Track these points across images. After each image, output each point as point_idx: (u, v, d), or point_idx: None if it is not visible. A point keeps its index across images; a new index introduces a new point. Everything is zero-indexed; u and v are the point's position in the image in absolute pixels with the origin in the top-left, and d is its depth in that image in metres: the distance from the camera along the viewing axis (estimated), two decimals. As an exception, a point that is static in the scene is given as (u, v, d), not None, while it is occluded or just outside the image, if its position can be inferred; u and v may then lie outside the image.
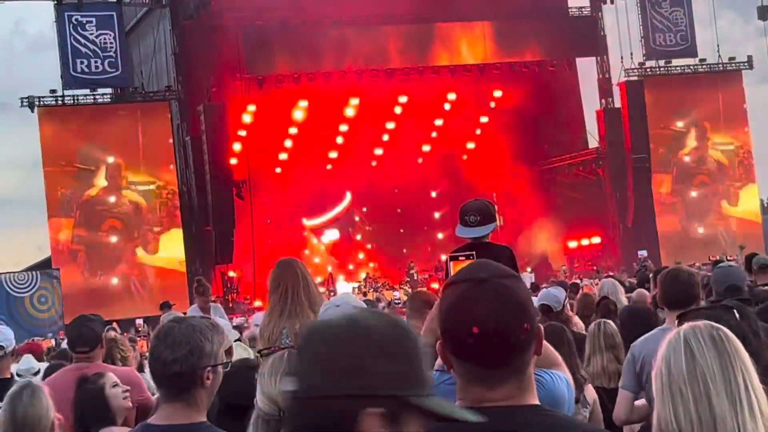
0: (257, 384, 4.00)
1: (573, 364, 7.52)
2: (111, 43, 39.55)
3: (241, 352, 7.57)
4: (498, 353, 2.70)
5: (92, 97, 40.26)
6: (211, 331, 4.25)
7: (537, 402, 2.80)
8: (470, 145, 50.23)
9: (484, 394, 2.73)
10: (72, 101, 39.91)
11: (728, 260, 18.15)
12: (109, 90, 40.66)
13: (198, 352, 4.18)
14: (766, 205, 65.53)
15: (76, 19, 39.27)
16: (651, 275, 11.96)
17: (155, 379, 4.33)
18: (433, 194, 50.34)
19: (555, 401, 3.79)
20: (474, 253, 4.28)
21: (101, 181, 39.34)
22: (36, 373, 9.33)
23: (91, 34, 39.30)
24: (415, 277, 42.50)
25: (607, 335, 8.18)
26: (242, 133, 44.01)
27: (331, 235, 49.41)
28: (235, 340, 9.10)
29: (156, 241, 39.94)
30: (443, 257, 33.51)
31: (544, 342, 4.11)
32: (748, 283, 12.17)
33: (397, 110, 47.77)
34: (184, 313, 17.08)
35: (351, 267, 48.15)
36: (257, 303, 38.48)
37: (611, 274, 27.01)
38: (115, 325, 21.18)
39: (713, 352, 2.97)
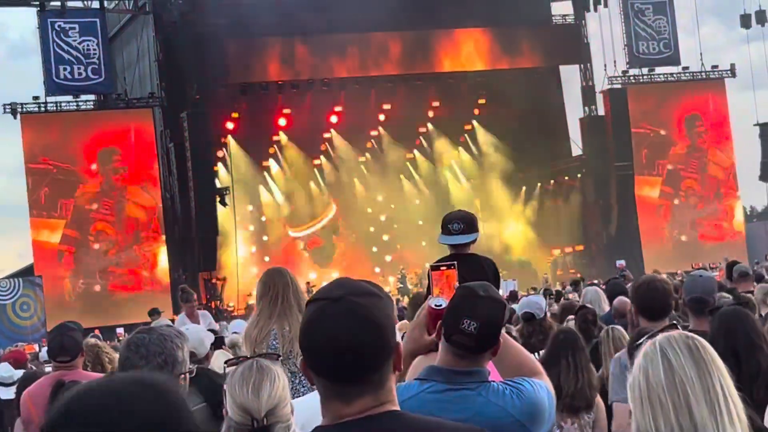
0: (227, 393, 3.99)
1: (588, 370, 7.55)
2: (94, 49, 39.48)
3: (223, 359, 7.55)
4: (351, 370, 2.73)
5: (75, 103, 40.16)
6: (180, 338, 4.28)
7: (395, 409, 2.81)
8: (454, 153, 50.27)
9: (342, 410, 2.76)
10: (55, 108, 39.81)
11: (711, 268, 18.23)
12: (92, 96, 40.60)
13: (172, 360, 4.19)
14: (748, 213, 65.85)
15: (59, 26, 39.20)
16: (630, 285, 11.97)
17: None
18: (417, 202, 50.31)
19: (535, 409, 3.79)
20: (455, 262, 4.26)
21: (85, 186, 39.20)
22: (13, 383, 9.31)
23: (74, 40, 39.23)
24: (408, 285, 42.68)
25: (616, 340, 8.20)
26: (226, 140, 44.04)
27: (315, 243, 49.36)
28: (216, 348, 9.09)
29: (141, 248, 39.83)
30: (426, 265, 33.53)
31: (523, 350, 4.13)
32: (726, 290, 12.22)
33: (381, 117, 47.83)
34: (173, 321, 17.04)
35: (335, 275, 48.05)
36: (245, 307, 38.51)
37: (595, 282, 27.02)
38: (97, 332, 21.16)
39: (690, 360, 2.97)
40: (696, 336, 3.09)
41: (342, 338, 2.71)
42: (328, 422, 2.81)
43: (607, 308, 11.31)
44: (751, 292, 10.78)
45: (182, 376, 4.21)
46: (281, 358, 6.60)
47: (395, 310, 2.96)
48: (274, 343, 6.70)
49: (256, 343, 6.74)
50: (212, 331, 11.81)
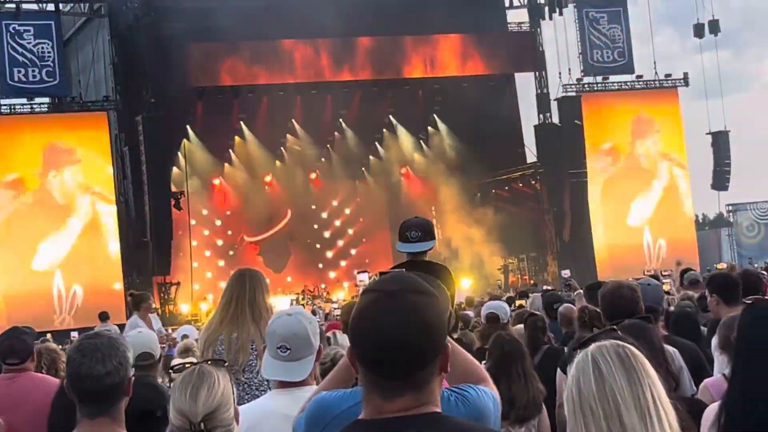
0: (170, 398, 4.03)
1: (535, 377, 7.62)
2: (49, 52, 39.21)
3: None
4: (394, 366, 2.76)
5: (29, 106, 39.88)
6: (124, 340, 4.33)
7: (437, 410, 2.84)
8: (410, 158, 50.37)
9: (382, 405, 2.79)
10: (9, 110, 39.55)
11: (663, 275, 18.35)
12: (46, 99, 40.27)
13: (125, 362, 4.24)
14: (701, 221, 66.41)
15: (14, 28, 38.91)
16: (583, 290, 12.10)
17: (85, 396, 4.24)
18: (373, 207, 50.40)
19: (480, 415, 3.83)
20: (404, 269, 4.30)
21: (38, 190, 38.88)
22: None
23: (29, 43, 38.95)
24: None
25: None
26: (181, 143, 43.89)
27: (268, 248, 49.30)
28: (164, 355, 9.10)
29: (93, 251, 39.53)
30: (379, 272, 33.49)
31: (470, 357, 4.18)
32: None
33: (338, 123, 47.88)
34: (123, 324, 16.96)
35: (289, 279, 48.04)
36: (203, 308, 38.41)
37: (548, 288, 27.12)
38: (49, 336, 21.06)
39: (621, 369, 3.03)
40: (627, 345, 3.16)
41: (388, 333, 2.74)
42: (368, 416, 2.83)
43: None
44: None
45: (131, 378, 4.24)
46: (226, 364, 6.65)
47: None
48: (220, 349, 6.70)
49: (204, 347, 6.75)
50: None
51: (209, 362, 4.19)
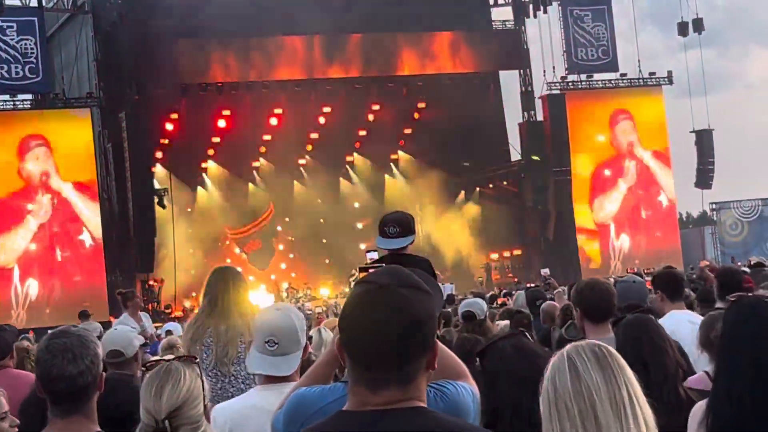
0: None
1: None
2: (32, 48, 39.08)
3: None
4: (381, 358, 2.76)
5: (12, 102, 39.78)
6: (93, 336, 4.29)
7: (423, 405, 2.83)
8: (394, 157, 50.42)
9: (368, 397, 2.79)
10: (-8, 106, 39.49)
11: (645, 273, 18.37)
12: (29, 96, 40.16)
13: (97, 360, 4.22)
14: (684, 219, 66.57)
15: (-3, 24, 38.80)
16: (566, 288, 12.15)
17: (57, 396, 4.20)
18: (356, 205, 50.44)
19: (459, 411, 3.82)
20: (383, 264, 4.30)
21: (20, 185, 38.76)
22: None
23: (12, 39, 38.81)
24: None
25: None
26: (165, 141, 43.83)
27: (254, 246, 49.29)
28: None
29: (77, 249, 39.43)
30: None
31: (451, 353, 4.16)
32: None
33: (321, 120, 47.87)
34: (106, 322, 16.91)
35: (273, 277, 48.04)
36: (179, 312, 38.34)
37: (531, 285, 27.17)
38: (31, 334, 20.94)
39: (597, 367, 3.03)
40: (603, 344, 3.16)
41: (377, 325, 2.75)
42: (353, 407, 2.83)
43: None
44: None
45: (102, 374, 4.23)
46: (213, 360, 6.63)
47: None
48: (208, 340, 6.72)
49: (191, 342, 6.76)
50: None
51: (180, 359, 4.17)
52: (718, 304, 8.32)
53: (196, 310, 7.22)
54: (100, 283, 38.30)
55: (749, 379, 4.19)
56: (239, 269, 7.36)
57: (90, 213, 39.25)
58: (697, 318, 7.55)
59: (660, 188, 47.06)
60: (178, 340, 10.44)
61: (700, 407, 4.60)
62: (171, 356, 4.30)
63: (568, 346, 3.15)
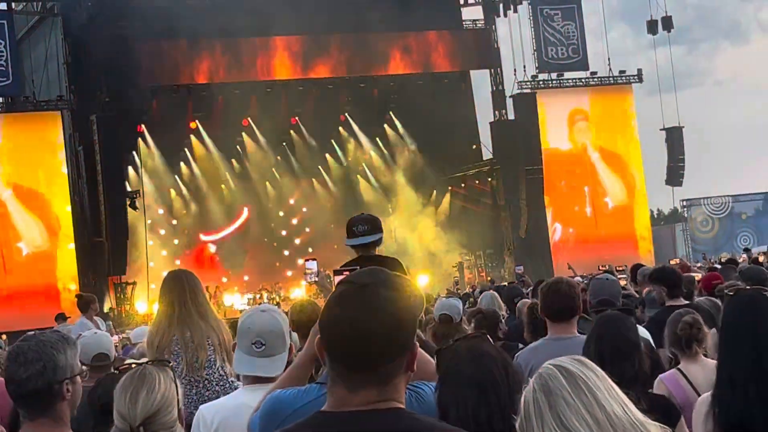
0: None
1: None
2: (1, 51, 38.90)
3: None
4: (360, 358, 2.78)
5: (-17, 105, 39.63)
6: (62, 343, 4.24)
7: (400, 407, 2.85)
8: (366, 157, 50.37)
9: (347, 397, 2.80)
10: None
11: (618, 270, 18.43)
12: (-1, 99, 40.01)
13: (52, 366, 4.16)
14: (656, 216, 66.85)
15: (-34, 27, 38.60)
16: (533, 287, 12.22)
17: (15, 399, 4.26)
18: (329, 205, 50.35)
19: (434, 412, 3.84)
20: (358, 267, 4.33)
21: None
22: None
23: (-19, 42, 38.67)
24: (332, 288, 42.35)
25: None
26: (136, 142, 43.65)
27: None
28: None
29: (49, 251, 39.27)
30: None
31: (426, 355, 4.18)
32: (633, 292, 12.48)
33: (293, 122, 47.80)
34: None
35: (246, 278, 47.89)
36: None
37: (505, 284, 27.19)
38: (4, 338, 20.88)
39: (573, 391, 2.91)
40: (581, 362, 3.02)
41: (356, 324, 2.76)
42: (331, 408, 2.84)
43: (501, 312, 11.47)
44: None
45: (65, 381, 4.18)
46: (184, 367, 6.61)
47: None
48: (176, 348, 6.68)
49: (158, 350, 6.72)
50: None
51: (153, 363, 4.17)
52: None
53: (155, 318, 7.16)
54: (73, 287, 38.11)
55: (751, 366, 4.26)
56: (190, 271, 7.28)
57: (62, 216, 39.12)
58: None
59: (632, 186, 47.22)
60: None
61: (704, 399, 4.66)
62: (144, 359, 4.30)
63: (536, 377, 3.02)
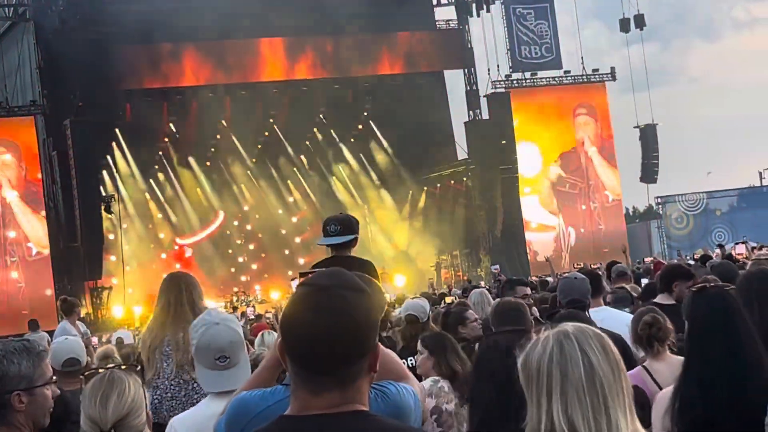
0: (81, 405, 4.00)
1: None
2: (-26, 57, 38.82)
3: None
4: (321, 361, 2.75)
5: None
6: (19, 353, 4.17)
7: (364, 409, 2.85)
8: (341, 159, 50.37)
9: (309, 401, 2.78)
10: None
11: (592, 267, 18.55)
12: (-28, 104, 39.83)
13: (0, 376, 4.11)
14: (630, 213, 67.03)
15: (-61, 34, 38.46)
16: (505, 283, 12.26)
17: None
18: (304, 207, 50.36)
19: (399, 412, 3.83)
20: (325, 267, 4.33)
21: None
22: None
23: (-46, 48, 38.54)
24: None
25: None
26: (111, 147, 43.55)
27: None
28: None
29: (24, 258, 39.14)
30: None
31: (392, 355, 4.20)
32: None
33: (268, 124, 47.77)
34: (52, 331, 16.82)
35: (221, 285, 47.84)
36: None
37: (482, 284, 27.27)
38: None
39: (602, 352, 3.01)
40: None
41: (316, 327, 2.72)
42: (294, 412, 2.80)
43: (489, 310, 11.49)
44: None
45: (15, 393, 4.11)
46: (174, 366, 6.62)
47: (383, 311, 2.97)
48: (167, 349, 6.71)
49: (150, 350, 6.75)
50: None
51: (121, 367, 4.16)
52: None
53: (150, 318, 7.20)
54: (48, 291, 38.01)
55: (721, 366, 4.26)
56: (191, 274, 7.34)
57: (36, 221, 38.98)
58: None
59: (606, 183, 47.40)
60: (114, 350, 10.36)
61: (663, 396, 4.66)
62: (111, 365, 4.28)
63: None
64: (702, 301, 4.55)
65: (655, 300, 8.38)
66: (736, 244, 25.90)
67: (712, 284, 5.05)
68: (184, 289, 6.92)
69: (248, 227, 50.06)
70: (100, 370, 4.12)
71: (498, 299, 7.50)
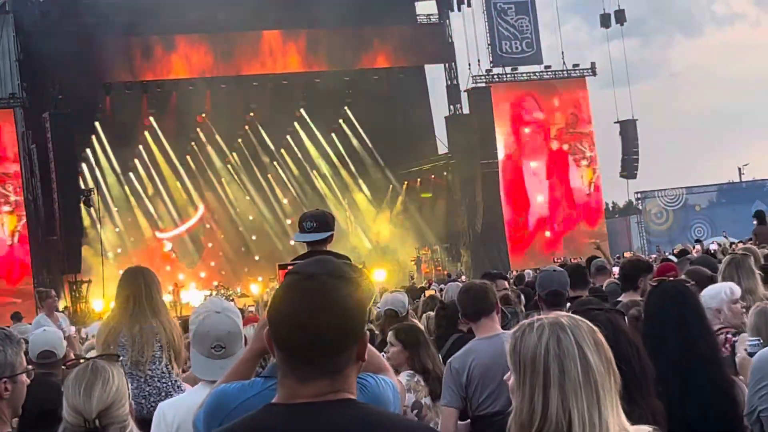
0: (63, 395, 3.98)
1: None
2: (-47, 50, 38.61)
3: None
4: (309, 349, 2.74)
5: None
6: (3, 341, 4.19)
7: (352, 398, 2.84)
8: (321, 152, 50.33)
9: (297, 389, 2.77)
10: None
11: (572, 262, 18.61)
12: (-49, 97, 39.63)
13: None
14: (610, 208, 67.20)
15: None
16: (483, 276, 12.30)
17: None
18: (285, 201, 50.30)
19: (379, 404, 3.81)
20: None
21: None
22: None
23: (-68, 40, 38.32)
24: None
25: None
26: (90, 140, 43.42)
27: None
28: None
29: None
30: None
31: (371, 348, 4.19)
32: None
33: (248, 117, 47.71)
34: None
35: (203, 275, 47.78)
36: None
37: (463, 279, 27.35)
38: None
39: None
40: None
41: (304, 315, 2.71)
42: (282, 400, 2.79)
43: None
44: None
45: (3, 380, 4.13)
46: (128, 361, 6.63)
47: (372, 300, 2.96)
48: (122, 340, 6.71)
49: (104, 344, 6.75)
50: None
51: (103, 357, 4.15)
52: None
53: (108, 314, 7.20)
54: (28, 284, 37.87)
55: (675, 360, 4.26)
56: (150, 269, 7.32)
57: (15, 214, 38.84)
58: None
59: (585, 178, 47.49)
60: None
61: None
62: (93, 354, 4.27)
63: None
64: (658, 294, 4.56)
65: (618, 299, 8.44)
66: (714, 239, 26.02)
67: (670, 278, 5.05)
68: (143, 284, 6.92)
69: (228, 221, 49.94)
70: (81, 361, 4.12)
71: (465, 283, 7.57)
